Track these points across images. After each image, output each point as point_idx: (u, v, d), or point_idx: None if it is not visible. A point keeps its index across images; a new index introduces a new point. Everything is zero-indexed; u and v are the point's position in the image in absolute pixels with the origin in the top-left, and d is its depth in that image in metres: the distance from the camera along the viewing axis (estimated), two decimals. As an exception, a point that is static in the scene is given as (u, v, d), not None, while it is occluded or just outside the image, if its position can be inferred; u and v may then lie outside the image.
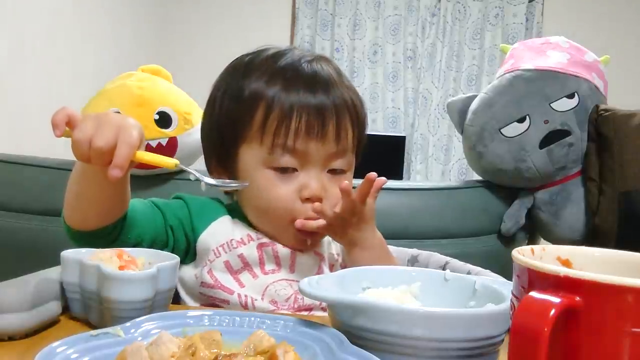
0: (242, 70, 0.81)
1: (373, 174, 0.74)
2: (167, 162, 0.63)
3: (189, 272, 0.80)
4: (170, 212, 0.80)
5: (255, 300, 0.76)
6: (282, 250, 0.79)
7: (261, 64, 0.80)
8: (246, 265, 0.78)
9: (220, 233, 0.79)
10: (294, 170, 0.77)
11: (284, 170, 0.77)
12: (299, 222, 0.77)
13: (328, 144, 0.77)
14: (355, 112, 0.81)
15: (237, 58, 0.85)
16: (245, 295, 0.76)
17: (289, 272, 0.79)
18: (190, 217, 0.80)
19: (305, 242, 0.79)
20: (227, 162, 0.81)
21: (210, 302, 0.77)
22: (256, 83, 0.78)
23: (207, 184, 0.67)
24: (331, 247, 0.85)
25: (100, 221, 0.71)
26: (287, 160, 0.76)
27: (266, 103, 0.76)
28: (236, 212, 0.83)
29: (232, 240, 0.78)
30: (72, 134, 0.63)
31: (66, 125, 0.62)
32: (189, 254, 0.80)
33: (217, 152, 0.83)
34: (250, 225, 0.81)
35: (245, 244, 0.78)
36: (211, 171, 0.85)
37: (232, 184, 0.76)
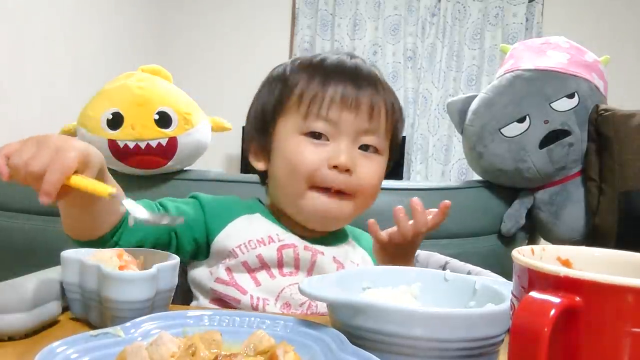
0: (287, 64, 0.85)
1: (448, 202, 0.77)
2: (101, 190, 0.59)
3: (202, 269, 0.80)
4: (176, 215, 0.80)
5: (268, 304, 0.76)
6: (303, 252, 0.79)
7: (305, 60, 0.85)
8: (264, 265, 0.78)
9: (238, 234, 0.79)
10: (326, 139, 0.78)
11: (316, 137, 0.78)
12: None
13: (361, 116, 0.79)
14: (392, 109, 0.83)
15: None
16: (258, 298, 0.76)
17: (306, 275, 0.79)
18: (205, 218, 0.81)
19: (325, 212, 0.79)
20: (265, 139, 0.83)
21: (220, 298, 0.77)
22: (300, 74, 0.82)
23: (136, 218, 0.61)
24: (352, 255, 0.85)
25: (93, 233, 0.71)
26: (319, 126, 0.78)
27: (307, 78, 0.80)
28: (258, 207, 0.84)
29: (250, 240, 0.79)
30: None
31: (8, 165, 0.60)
32: (198, 253, 0.81)
33: (257, 132, 0.84)
34: (276, 220, 0.82)
35: (265, 245, 0.79)
36: (250, 155, 0.86)
37: (164, 219, 0.68)
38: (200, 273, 0.80)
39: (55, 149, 0.58)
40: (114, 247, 0.71)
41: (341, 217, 0.81)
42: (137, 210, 0.62)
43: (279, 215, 0.84)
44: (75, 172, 0.59)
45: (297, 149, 0.78)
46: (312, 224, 0.82)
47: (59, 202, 0.67)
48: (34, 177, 0.58)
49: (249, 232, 0.79)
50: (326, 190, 0.78)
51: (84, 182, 0.60)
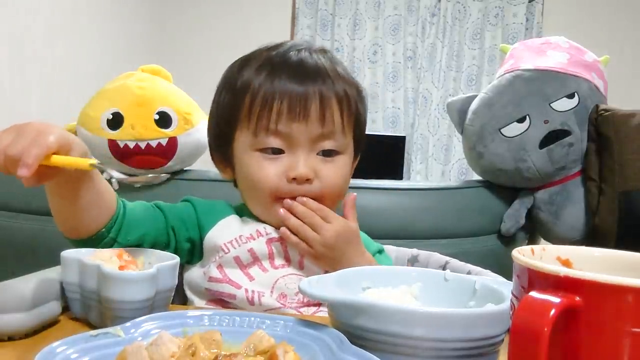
0: (238, 64, 0.84)
1: (353, 195, 0.81)
2: (81, 162, 0.60)
3: (196, 271, 0.81)
4: (172, 213, 0.80)
5: (263, 295, 0.76)
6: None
7: (255, 55, 0.84)
8: (256, 259, 0.78)
9: (228, 230, 0.80)
10: (281, 152, 0.78)
11: (270, 152, 0.78)
12: (286, 203, 0.78)
13: (312, 125, 0.77)
14: (346, 99, 0.81)
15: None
16: (253, 291, 0.76)
17: (298, 268, 0.79)
18: (197, 216, 0.81)
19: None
20: (226, 152, 0.83)
21: (216, 297, 0.77)
22: (247, 73, 0.81)
23: (116, 180, 0.64)
24: None
25: (87, 230, 0.71)
26: (271, 142, 0.77)
27: (252, 90, 0.79)
28: (244, 211, 0.84)
29: (241, 235, 0.79)
30: None
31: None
32: (194, 254, 0.81)
33: (217, 144, 0.85)
34: (258, 220, 0.82)
35: (254, 239, 0.79)
36: (215, 164, 0.87)
37: (142, 177, 0.67)
38: (194, 275, 0.80)
39: (36, 132, 0.59)
40: (112, 245, 0.71)
41: None
42: (114, 173, 0.64)
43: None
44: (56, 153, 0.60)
45: (254, 166, 0.79)
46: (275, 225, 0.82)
47: (48, 195, 0.68)
48: (12, 162, 0.58)
49: (238, 228, 0.80)
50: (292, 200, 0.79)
51: (64, 158, 0.60)
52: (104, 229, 0.71)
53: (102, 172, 0.66)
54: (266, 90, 0.78)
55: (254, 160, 0.79)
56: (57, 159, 0.60)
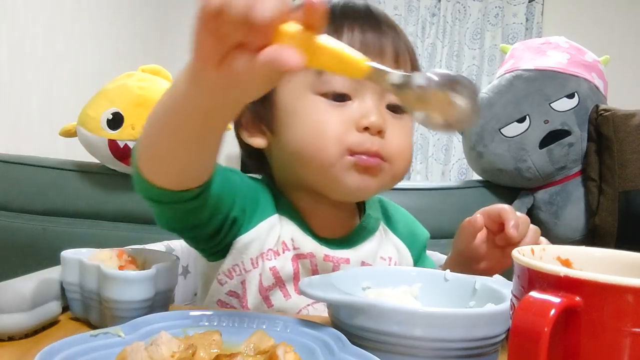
0: None
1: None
2: (357, 60, 0.41)
3: (212, 271, 0.69)
4: (240, 198, 0.64)
5: None
6: (323, 264, 0.67)
7: None
8: (278, 281, 0.66)
9: (266, 239, 0.66)
10: (348, 98, 0.64)
11: (336, 98, 0.63)
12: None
13: (390, 58, 0.64)
14: (414, 55, 0.69)
15: None
16: None
17: None
18: (243, 205, 0.65)
19: (362, 185, 0.65)
20: (261, 104, 0.66)
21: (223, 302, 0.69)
22: None
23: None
24: (382, 250, 0.74)
25: (189, 177, 0.55)
26: (338, 84, 0.63)
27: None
28: (284, 204, 0.69)
29: (269, 250, 0.66)
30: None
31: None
32: (217, 243, 0.66)
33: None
34: (299, 220, 0.68)
35: (279, 255, 0.66)
36: (241, 131, 0.69)
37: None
38: (209, 277, 0.69)
39: None
40: (191, 215, 0.59)
41: (374, 190, 0.68)
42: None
43: (293, 206, 0.70)
44: None
45: (317, 109, 0.63)
46: (343, 196, 0.68)
47: (183, 110, 0.47)
48: (260, 28, 0.38)
49: (275, 237, 0.67)
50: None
51: (333, 46, 0.41)
52: (197, 188, 0.56)
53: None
54: (334, 18, 0.63)
55: (315, 105, 0.63)
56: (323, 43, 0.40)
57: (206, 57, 0.41)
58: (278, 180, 0.71)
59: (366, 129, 0.63)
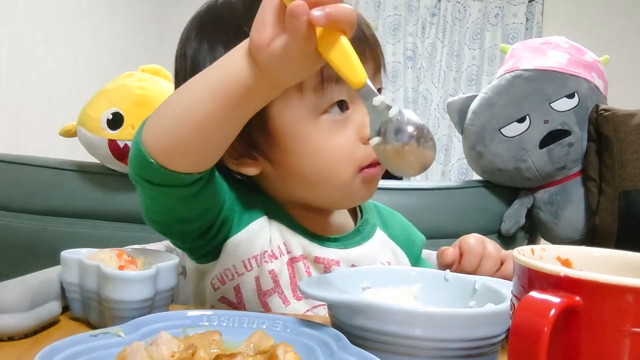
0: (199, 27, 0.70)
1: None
2: (360, 70, 0.47)
3: (200, 275, 0.68)
4: (229, 199, 0.64)
5: None
6: (314, 266, 0.67)
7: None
8: (277, 285, 0.65)
9: (256, 240, 0.65)
10: (346, 107, 0.64)
11: (337, 109, 0.64)
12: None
13: (367, 64, 0.64)
14: (383, 57, 0.69)
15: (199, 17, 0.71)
16: None
17: None
18: (232, 205, 0.65)
19: (369, 195, 0.68)
20: (257, 132, 0.64)
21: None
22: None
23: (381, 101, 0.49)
24: (381, 255, 0.74)
25: (203, 160, 0.54)
26: (339, 93, 0.63)
27: None
28: (273, 210, 0.68)
29: (265, 252, 0.65)
30: None
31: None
32: (206, 244, 0.65)
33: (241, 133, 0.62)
34: (289, 225, 0.68)
35: (276, 258, 0.66)
36: (228, 162, 0.66)
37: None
38: (200, 283, 0.68)
39: None
40: (187, 200, 0.58)
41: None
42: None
43: (283, 210, 0.70)
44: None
45: (324, 136, 0.63)
46: (347, 207, 0.71)
47: (229, 89, 0.48)
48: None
49: (264, 241, 0.66)
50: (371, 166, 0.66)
51: (348, 49, 0.46)
52: (198, 174, 0.55)
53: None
54: None
55: (321, 128, 0.63)
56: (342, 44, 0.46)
57: (262, 40, 0.46)
58: (267, 191, 0.71)
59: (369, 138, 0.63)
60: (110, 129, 1.37)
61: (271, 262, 0.65)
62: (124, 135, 1.36)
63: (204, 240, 0.64)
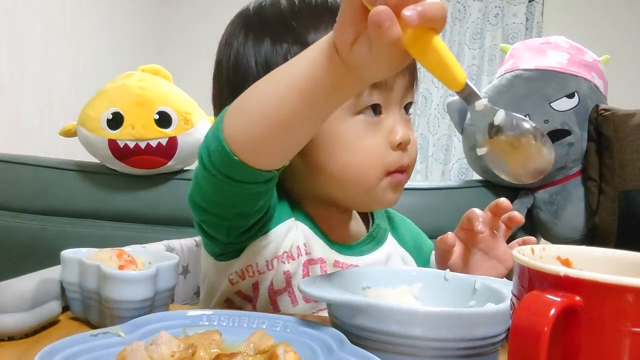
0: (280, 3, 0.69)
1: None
2: (459, 70, 0.45)
3: (218, 272, 0.68)
4: (272, 197, 0.64)
5: None
6: (332, 270, 0.67)
7: (303, 11, 0.67)
8: (289, 285, 0.66)
9: (282, 242, 0.66)
10: (379, 111, 0.65)
11: (371, 112, 0.65)
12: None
13: (407, 72, 0.65)
14: None
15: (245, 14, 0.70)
16: None
17: None
18: (273, 209, 0.65)
19: (394, 201, 0.69)
20: None
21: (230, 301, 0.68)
22: (306, 19, 0.65)
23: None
24: (393, 260, 0.75)
25: (285, 157, 0.55)
26: (374, 97, 0.64)
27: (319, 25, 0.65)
28: (301, 209, 0.70)
29: (284, 253, 0.66)
30: None
31: None
32: (232, 251, 0.66)
33: None
34: (315, 226, 0.69)
35: (293, 259, 0.66)
36: None
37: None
38: (217, 277, 0.68)
39: None
40: (258, 198, 0.58)
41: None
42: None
43: (305, 211, 0.70)
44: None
45: (356, 134, 0.64)
46: (371, 210, 0.73)
47: (321, 86, 0.48)
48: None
49: (290, 241, 0.67)
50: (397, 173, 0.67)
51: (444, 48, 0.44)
52: (276, 171, 0.55)
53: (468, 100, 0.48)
54: (314, 11, 0.65)
55: (355, 128, 0.64)
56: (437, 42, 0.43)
57: (345, 40, 0.45)
58: (289, 188, 0.71)
59: (398, 145, 0.65)
60: (110, 128, 1.37)
61: (288, 262, 0.66)
62: (124, 135, 1.36)
63: (246, 236, 0.64)
